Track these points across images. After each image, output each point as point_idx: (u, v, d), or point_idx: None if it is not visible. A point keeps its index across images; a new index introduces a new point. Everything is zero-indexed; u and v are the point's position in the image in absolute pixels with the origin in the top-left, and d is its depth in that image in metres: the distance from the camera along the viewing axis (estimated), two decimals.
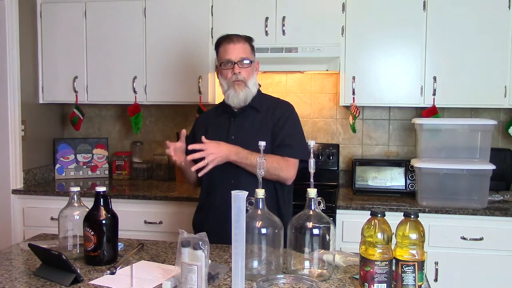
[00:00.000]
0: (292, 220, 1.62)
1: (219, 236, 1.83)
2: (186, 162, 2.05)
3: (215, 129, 2.21)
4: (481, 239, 2.69)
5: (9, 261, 1.77)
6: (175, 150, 2.07)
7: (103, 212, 1.71)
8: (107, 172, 3.66)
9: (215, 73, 2.28)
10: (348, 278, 1.60)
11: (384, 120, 3.41)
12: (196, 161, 1.99)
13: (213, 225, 2.03)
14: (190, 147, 1.97)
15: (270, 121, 2.16)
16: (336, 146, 3.36)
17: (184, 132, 2.14)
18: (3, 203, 3.16)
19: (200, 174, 1.98)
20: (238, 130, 2.16)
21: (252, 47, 2.20)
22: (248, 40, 2.19)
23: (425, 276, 1.46)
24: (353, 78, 3.03)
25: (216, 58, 2.22)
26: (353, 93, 3.03)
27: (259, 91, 2.23)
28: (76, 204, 1.83)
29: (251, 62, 2.14)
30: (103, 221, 1.70)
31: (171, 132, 3.65)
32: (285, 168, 2.07)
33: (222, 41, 2.16)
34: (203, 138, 1.99)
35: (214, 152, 1.96)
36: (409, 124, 3.32)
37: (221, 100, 2.35)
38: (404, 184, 3.04)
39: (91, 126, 3.77)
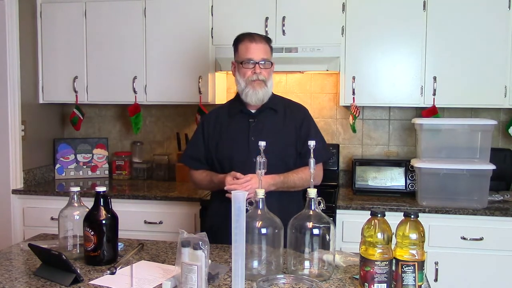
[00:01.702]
0: (292, 220, 1.62)
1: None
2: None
3: (231, 130, 2.19)
4: (481, 239, 2.69)
5: (9, 261, 1.77)
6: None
7: (103, 212, 1.71)
8: (107, 172, 3.66)
9: (231, 69, 2.24)
10: (348, 278, 1.60)
11: (384, 120, 3.42)
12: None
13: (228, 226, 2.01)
14: (230, 187, 1.96)
15: (290, 123, 2.18)
16: (336, 146, 3.36)
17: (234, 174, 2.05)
18: (3, 203, 3.16)
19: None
20: (259, 132, 2.14)
21: (271, 48, 2.20)
22: (268, 41, 2.19)
23: (425, 276, 1.46)
24: (353, 78, 3.03)
25: (234, 55, 2.20)
26: (353, 93, 3.03)
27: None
28: (76, 204, 1.83)
29: (271, 63, 2.16)
30: (103, 221, 1.70)
31: (171, 132, 3.65)
32: (318, 176, 2.18)
33: (244, 39, 2.15)
34: (238, 174, 2.00)
35: (255, 188, 1.92)
36: (409, 124, 3.32)
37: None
38: (404, 184, 3.04)
39: (91, 126, 3.77)
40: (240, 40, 2.17)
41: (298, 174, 2.13)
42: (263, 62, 2.12)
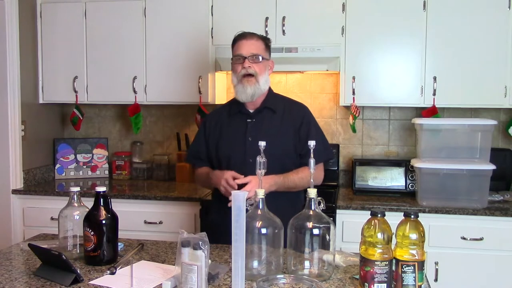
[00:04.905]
0: (292, 220, 1.62)
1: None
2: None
3: (230, 130, 2.19)
4: (481, 239, 2.69)
5: (9, 261, 1.77)
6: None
7: (103, 212, 1.71)
8: (107, 172, 3.66)
9: (231, 71, 2.24)
10: (348, 278, 1.60)
11: (384, 120, 3.42)
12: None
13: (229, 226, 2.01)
14: (238, 181, 1.95)
15: (289, 123, 2.17)
16: (336, 146, 3.36)
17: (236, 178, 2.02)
18: (3, 203, 3.16)
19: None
20: (256, 132, 2.13)
21: (267, 46, 2.19)
22: (263, 38, 2.19)
23: (425, 276, 1.46)
24: (353, 78, 3.03)
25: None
26: (353, 93, 3.03)
27: (271, 90, 2.23)
28: (76, 204, 1.83)
29: (262, 58, 2.13)
30: (103, 221, 1.70)
31: (171, 132, 3.65)
32: (318, 176, 2.15)
33: (237, 39, 2.17)
34: (236, 175, 1.98)
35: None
36: (409, 124, 3.32)
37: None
38: (404, 184, 3.04)
39: (91, 126, 3.77)
40: (234, 40, 2.19)
41: (298, 174, 2.11)
42: (257, 57, 2.10)
